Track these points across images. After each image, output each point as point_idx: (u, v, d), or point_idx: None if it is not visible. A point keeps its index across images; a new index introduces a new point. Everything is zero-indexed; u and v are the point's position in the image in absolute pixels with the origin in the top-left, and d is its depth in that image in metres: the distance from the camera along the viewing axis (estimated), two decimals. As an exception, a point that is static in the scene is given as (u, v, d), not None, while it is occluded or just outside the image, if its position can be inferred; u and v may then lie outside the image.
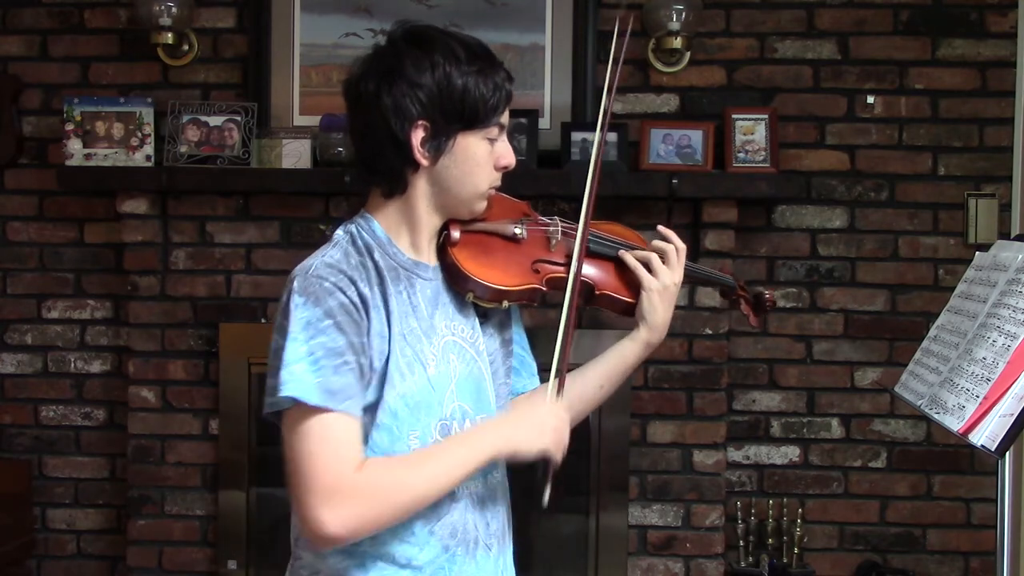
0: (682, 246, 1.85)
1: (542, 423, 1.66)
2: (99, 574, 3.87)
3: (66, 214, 3.84)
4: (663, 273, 1.82)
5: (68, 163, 3.67)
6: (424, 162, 1.64)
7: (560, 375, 1.71)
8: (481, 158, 1.67)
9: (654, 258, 1.83)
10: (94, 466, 3.87)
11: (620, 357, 1.85)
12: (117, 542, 3.83)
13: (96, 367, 3.86)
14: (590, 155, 1.80)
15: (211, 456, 3.72)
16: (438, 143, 1.63)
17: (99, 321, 3.85)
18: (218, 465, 3.71)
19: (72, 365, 3.86)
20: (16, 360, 3.88)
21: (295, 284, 1.59)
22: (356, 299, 1.58)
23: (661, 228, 1.87)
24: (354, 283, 1.59)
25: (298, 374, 1.53)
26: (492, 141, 1.67)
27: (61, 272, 3.85)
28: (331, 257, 1.62)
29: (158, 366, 3.71)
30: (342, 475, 1.53)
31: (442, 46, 1.63)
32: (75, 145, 3.67)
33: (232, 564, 3.66)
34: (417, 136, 1.63)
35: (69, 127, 3.67)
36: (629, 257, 1.84)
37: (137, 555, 3.71)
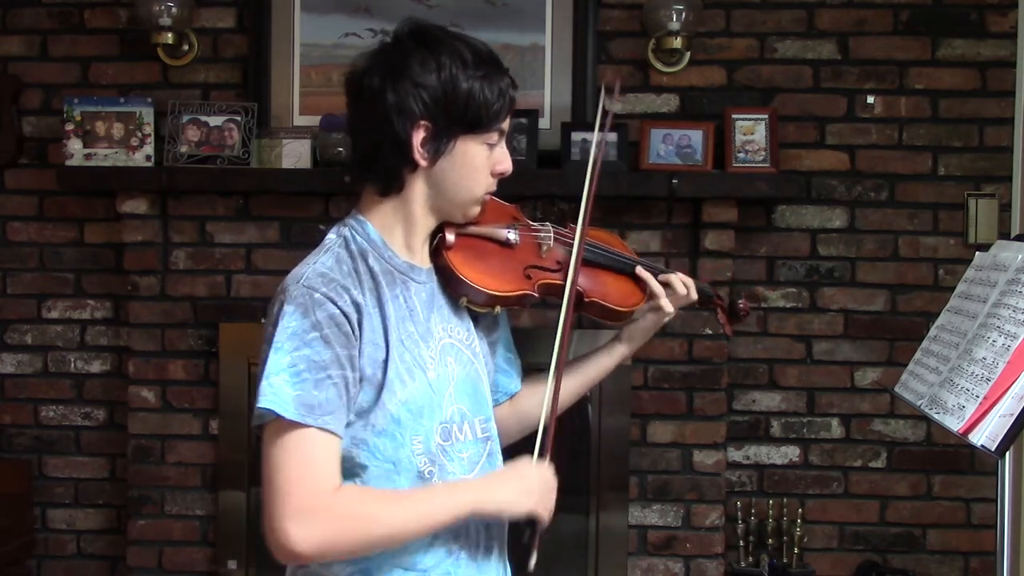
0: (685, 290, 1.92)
1: (528, 486, 1.65)
2: (99, 574, 3.86)
3: (66, 214, 3.84)
4: (669, 306, 1.90)
5: (68, 163, 3.67)
6: (423, 163, 1.63)
7: (546, 437, 1.70)
8: (479, 163, 1.66)
9: (663, 292, 1.89)
10: (94, 466, 3.87)
11: (599, 369, 1.94)
12: (117, 542, 3.83)
13: (96, 367, 3.85)
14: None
15: (211, 456, 3.72)
16: (438, 144, 1.63)
17: (99, 321, 3.85)
18: (218, 465, 3.71)
19: (72, 365, 3.86)
20: (16, 360, 3.88)
21: (285, 294, 1.58)
22: (349, 308, 1.57)
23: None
24: (347, 291, 1.58)
25: (276, 386, 1.52)
26: (491, 147, 1.67)
27: (61, 272, 3.85)
28: (323, 265, 1.60)
29: (158, 366, 3.71)
30: (315, 493, 1.52)
31: (449, 48, 1.63)
32: (75, 145, 3.67)
33: (232, 564, 3.66)
34: (418, 136, 1.62)
35: (69, 127, 3.67)
36: (652, 282, 1.90)
37: (137, 555, 3.71)
